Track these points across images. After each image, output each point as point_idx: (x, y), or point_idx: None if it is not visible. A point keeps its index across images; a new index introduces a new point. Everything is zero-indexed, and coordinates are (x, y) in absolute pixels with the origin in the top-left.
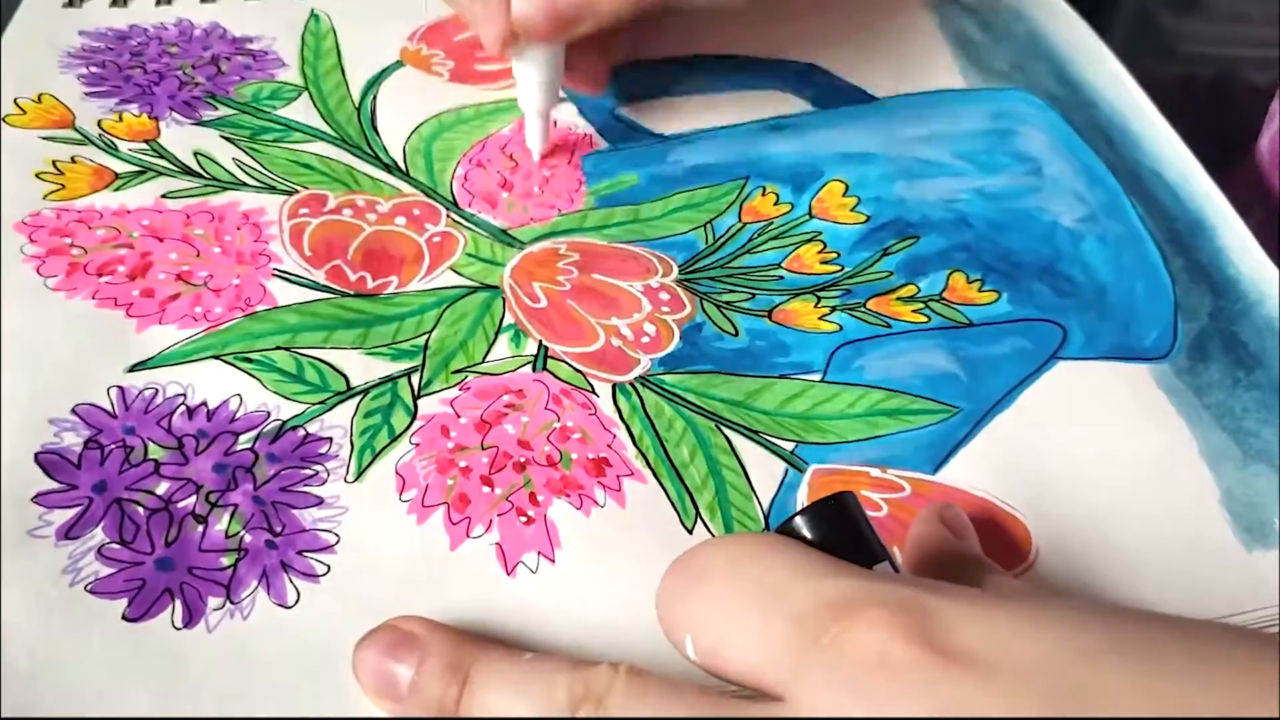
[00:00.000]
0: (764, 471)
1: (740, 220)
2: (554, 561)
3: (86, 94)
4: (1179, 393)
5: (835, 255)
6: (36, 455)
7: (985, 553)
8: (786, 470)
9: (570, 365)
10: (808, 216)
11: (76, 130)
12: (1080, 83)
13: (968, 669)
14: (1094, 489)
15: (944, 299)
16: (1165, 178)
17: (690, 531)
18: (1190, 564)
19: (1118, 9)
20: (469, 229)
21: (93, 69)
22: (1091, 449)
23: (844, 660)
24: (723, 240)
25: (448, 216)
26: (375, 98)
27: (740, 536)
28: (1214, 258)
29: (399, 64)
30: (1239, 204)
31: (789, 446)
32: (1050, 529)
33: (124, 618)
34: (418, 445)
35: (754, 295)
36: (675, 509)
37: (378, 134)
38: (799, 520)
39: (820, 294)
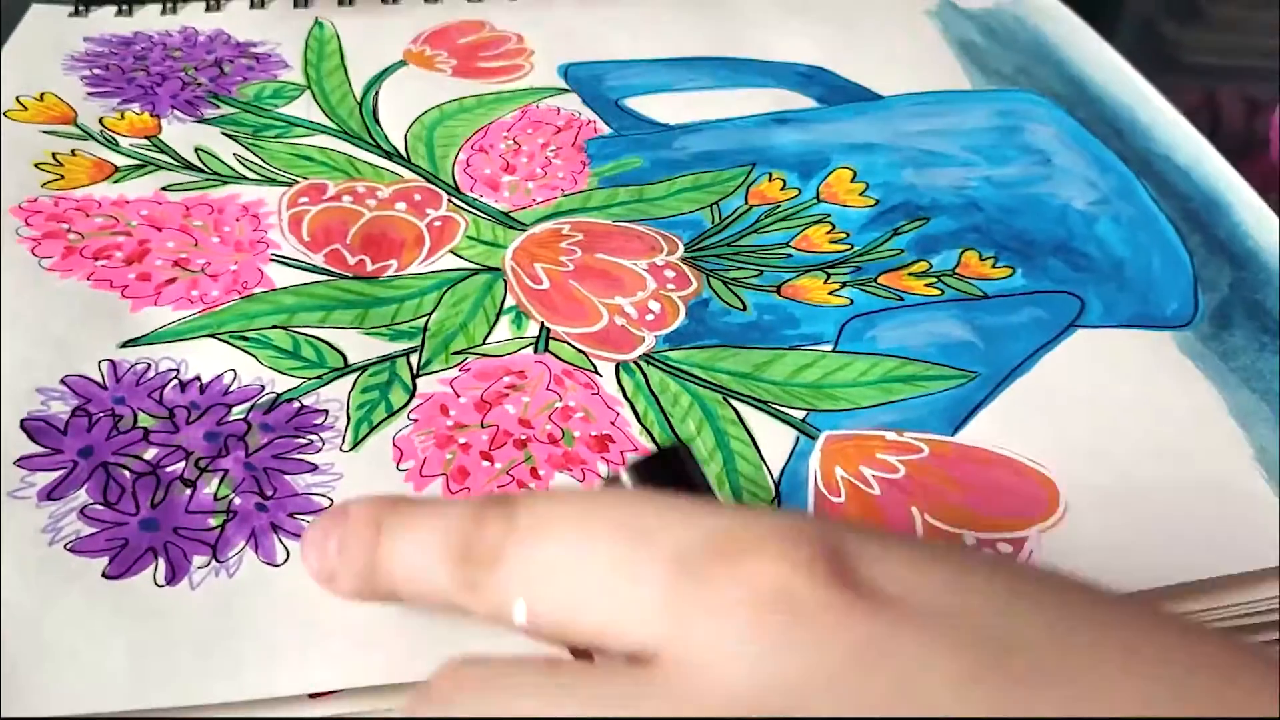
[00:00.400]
0: (774, 440)
1: (747, 202)
2: None
3: (89, 94)
4: (1204, 357)
5: (845, 235)
6: (21, 421)
7: (1010, 510)
8: (798, 438)
9: (573, 346)
10: (815, 200)
11: (77, 126)
12: (1085, 81)
13: (882, 608)
14: (1122, 444)
15: (957, 274)
16: (1176, 161)
17: None
18: (1228, 517)
19: (1120, 19)
20: (470, 213)
21: (96, 71)
22: (1117, 407)
23: (735, 602)
24: (729, 220)
25: (449, 201)
26: (377, 92)
27: (577, 490)
28: (1232, 232)
29: (402, 63)
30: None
31: (800, 415)
32: (1079, 483)
33: (104, 575)
34: (416, 421)
35: (762, 272)
36: None
37: (379, 125)
38: (624, 474)
39: (830, 270)
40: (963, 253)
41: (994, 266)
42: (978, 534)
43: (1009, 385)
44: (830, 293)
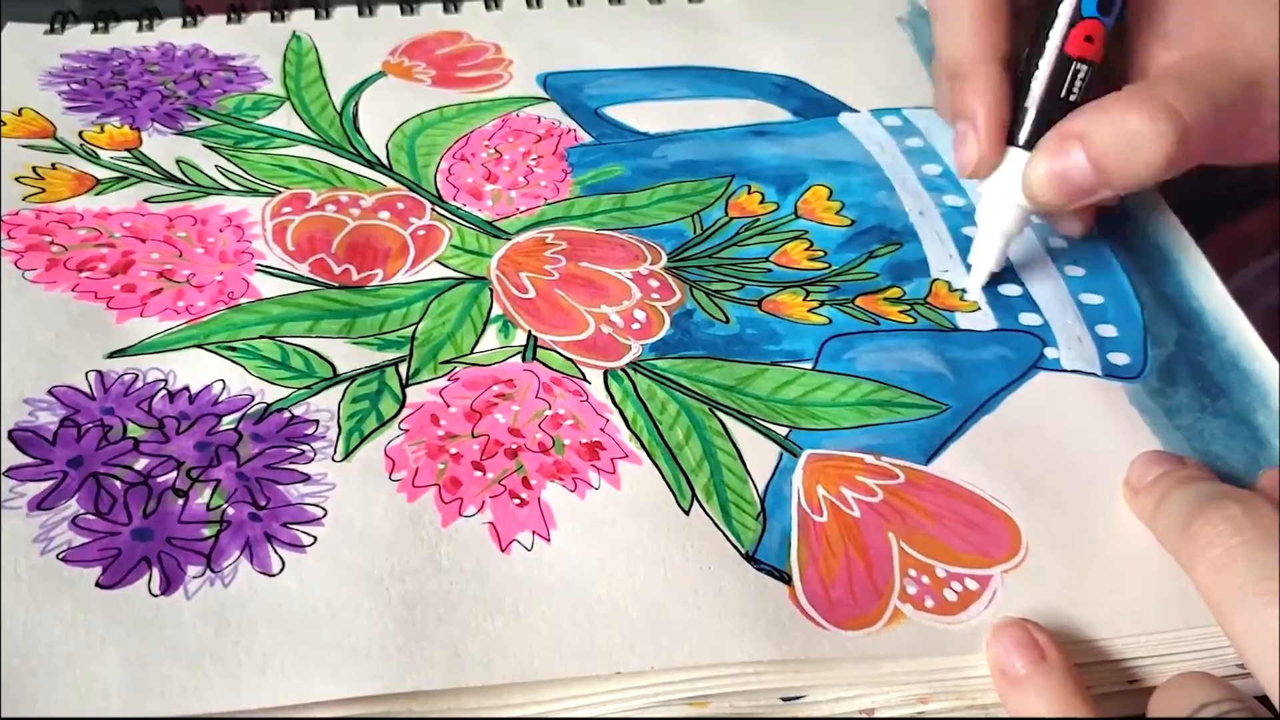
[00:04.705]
0: (758, 455)
1: (727, 214)
2: (549, 541)
3: (68, 108)
4: (1151, 412)
5: (822, 254)
6: (10, 433)
7: (977, 546)
8: (781, 455)
9: (561, 354)
10: (793, 216)
11: (57, 140)
12: None
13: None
14: (1078, 494)
15: (929, 303)
16: (1129, 209)
17: (687, 513)
18: (1170, 572)
19: None
20: (454, 221)
21: (74, 86)
22: (1073, 457)
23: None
24: (711, 231)
25: (432, 210)
26: (357, 103)
27: None
28: (1179, 290)
29: (381, 74)
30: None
31: (783, 431)
32: (1038, 527)
33: (97, 584)
34: (407, 431)
35: (743, 285)
36: (671, 490)
37: (360, 134)
38: None
39: (809, 288)
40: (933, 282)
41: (962, 299)
42: (948, 567)
43: (976, 421)
44: (809, 310)
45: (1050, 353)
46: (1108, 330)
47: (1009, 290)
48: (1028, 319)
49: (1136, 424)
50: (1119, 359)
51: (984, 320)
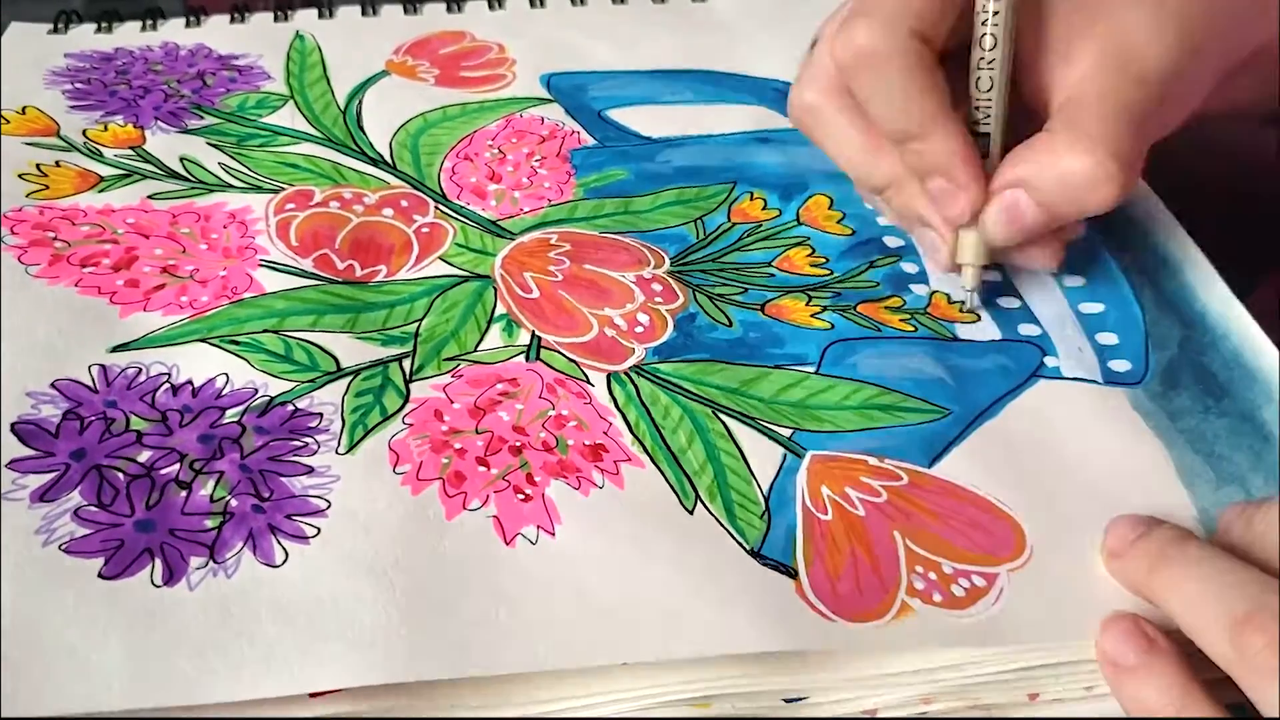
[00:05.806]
0: (762, 456)
1: (730, 220)
2: (554, 535)
3: (71, 107)
4: (1154, 416)
5: (824, 260)
6: (12, 425)
7: (982, 546)
8: (785, 455)
9: (564, 355)
10: (795, 223)
11: (60, 138)
12: None
13: None
14: (1082, 497)
15: (929, 313)
16: (1130, 214)
17: (691, 512)
18: None
19: None
20: (458, 220)
21: (78, 85)
22: (1076, 461)
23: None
24: (714, 236)
25: (436, 208)
26: (361, 101)
27: None
28: (1179, 292)
29: (384, 73)
30: None
31: (786, 433)
32: (1043, 529)
33: (100, 575)
34: (411, 425)
35: (746, 290)
36: (675, 491)
37: (364, 133)
38: None
39: (811, 293)
40: (933, 294)
41: (961, 311)
42: (955, 564)
43: (978, 426)
44: (812, 315)
45: (1050, 361)
46: (1108, 338)
47: (1008, 303)
48: (1027, 330)
49: (1138, 427)
50: (1120, 366)
51: (984, 331)
